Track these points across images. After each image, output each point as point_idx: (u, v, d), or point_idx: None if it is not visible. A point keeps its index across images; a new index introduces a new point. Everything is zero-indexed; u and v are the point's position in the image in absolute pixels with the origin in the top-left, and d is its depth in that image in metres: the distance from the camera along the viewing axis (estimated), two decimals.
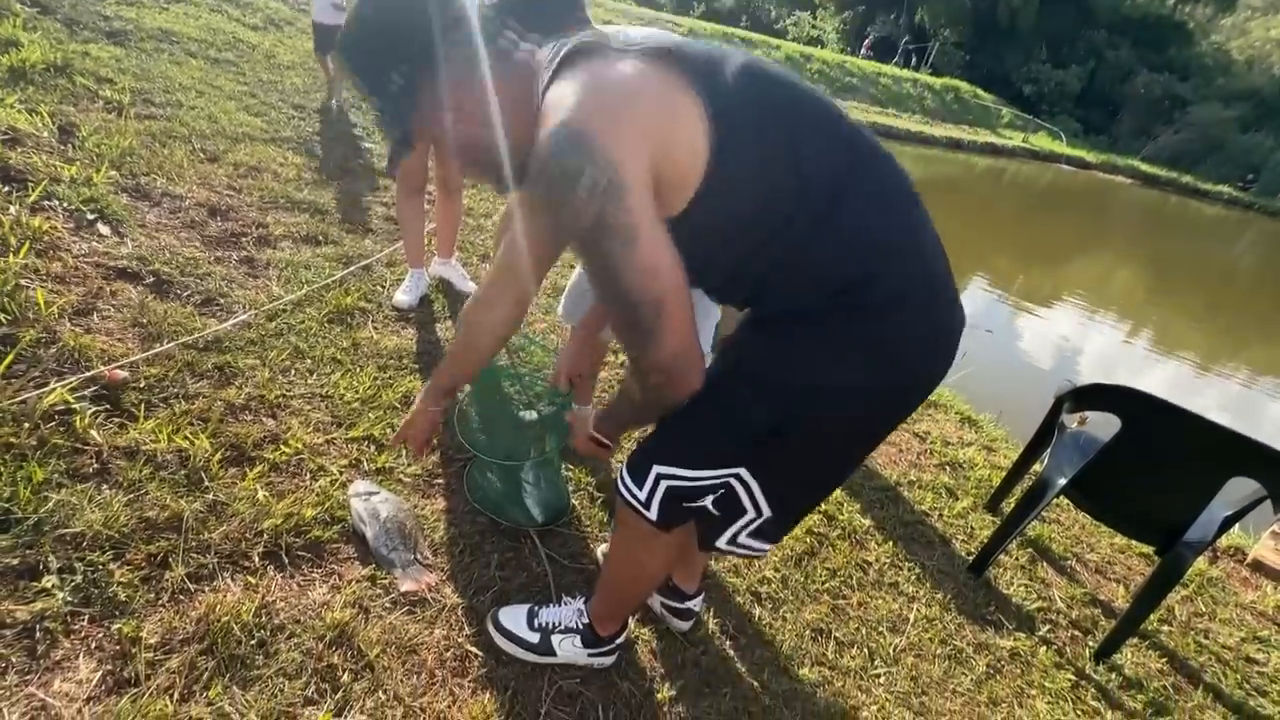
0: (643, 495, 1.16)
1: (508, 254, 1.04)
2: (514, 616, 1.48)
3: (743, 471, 1.11)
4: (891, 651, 1.74)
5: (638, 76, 0.90)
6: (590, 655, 1.47)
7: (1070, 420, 2.08)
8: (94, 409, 1.63)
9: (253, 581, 1.40)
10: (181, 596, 1.32)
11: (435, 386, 1.35)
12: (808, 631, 1.74)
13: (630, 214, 0.87)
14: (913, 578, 1.99)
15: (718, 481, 1.12)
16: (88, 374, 1.70)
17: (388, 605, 1.47)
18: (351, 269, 2.77)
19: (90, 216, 2.41)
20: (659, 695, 1.48)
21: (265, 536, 1.50)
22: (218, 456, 1.65)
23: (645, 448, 1.16)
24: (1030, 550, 2.23)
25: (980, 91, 26.23)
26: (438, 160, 2.69)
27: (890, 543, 2.10)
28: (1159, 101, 31.58)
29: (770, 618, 1.75)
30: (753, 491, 1.13)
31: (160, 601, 1.30)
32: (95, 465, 1.51)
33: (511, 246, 1.02)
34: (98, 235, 2.35)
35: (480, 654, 1.43)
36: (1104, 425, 1.95)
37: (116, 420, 1.64)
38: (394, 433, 1.58)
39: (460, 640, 1.45)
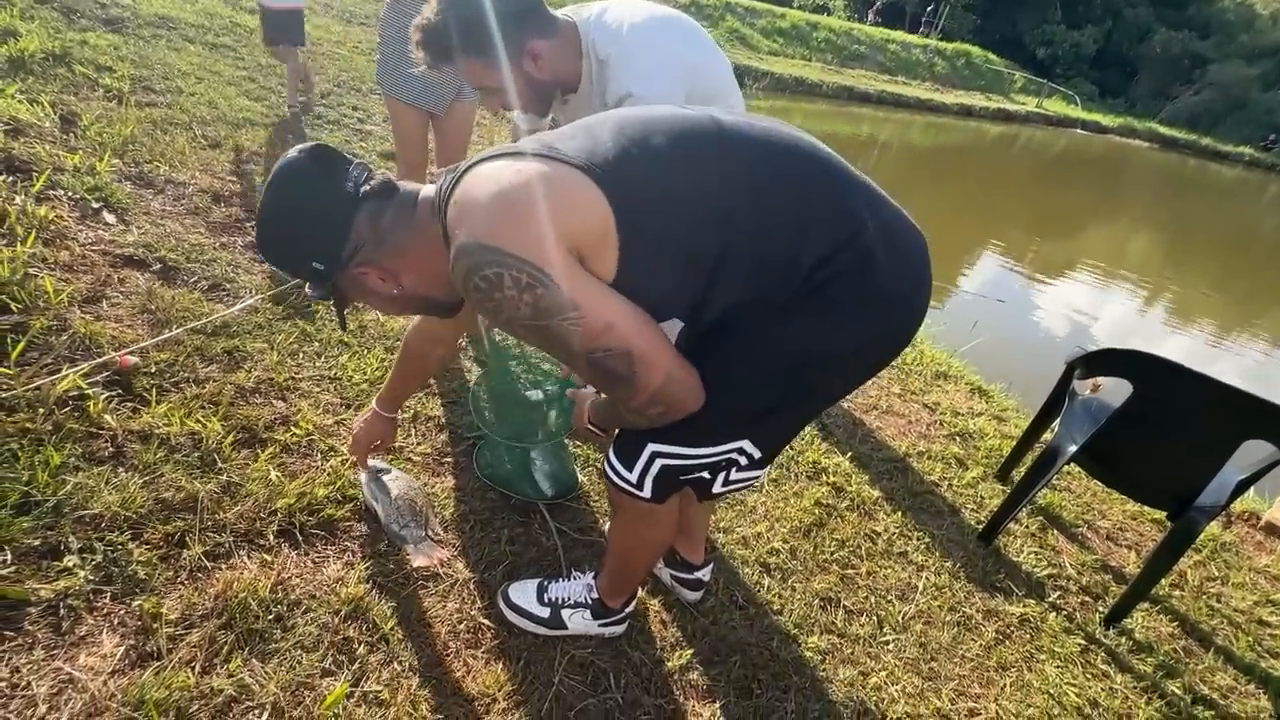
0: (633, 476, 1.17)
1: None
2: (524, 592, 1.50)
3: (746, 444, 1.12)
4: (900, 619, 1.76)
5: (517, 174, 0.91)
6: (601, 626, 1.50)
7: (1082, 387, 2.07)
8: (107, 394, 1.66)
9: (268, 559, 1.43)
10: (199, 574, 1.36)
11: (381, 398, 1.57)
12: (816, 601, 1.76)
13: (561, 291, 0.89)
14: (922, 547, 2.00)
15: (720, 457, 1.13)
16: (99, 360, 1.73)
17: (401, 580, 1.50)
18: None
19: (95, 205, 2.42)
20: (669, 664, 1.50)
21: (279, 515, 1.53)
22: (230, 439, 1.68)
23: (638, 430, 1.16)
24: (1041, 518, 2.23)
25: (992, 56, 25.68)
26: (437, 135, 2.68)
27: (899, 513, 2.11)
28: (1178, 60, 30.75)
29: (779, 588, 1.77)
30: (748, 451, 1.14)
31: (179, 579, 1.34)
32: (110, 449, 1.54)
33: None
34: (103, 223, 2.37)
35: (493, 626, 1.47)
36: (1116, 393, 1.94)
37: (129, 405, 1.67)
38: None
39: (473, 613, 1.48)
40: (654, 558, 1.42)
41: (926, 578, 1.90)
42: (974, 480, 2.34)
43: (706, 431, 1.10)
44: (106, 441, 1.55)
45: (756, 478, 1.25)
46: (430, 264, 1.02)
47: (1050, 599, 1.91)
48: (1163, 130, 25.18)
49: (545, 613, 1.48)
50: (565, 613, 1.48)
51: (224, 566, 1.39)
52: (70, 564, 1.27)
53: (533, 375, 2.03)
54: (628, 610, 1.51)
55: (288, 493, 1.58)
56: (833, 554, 1.91)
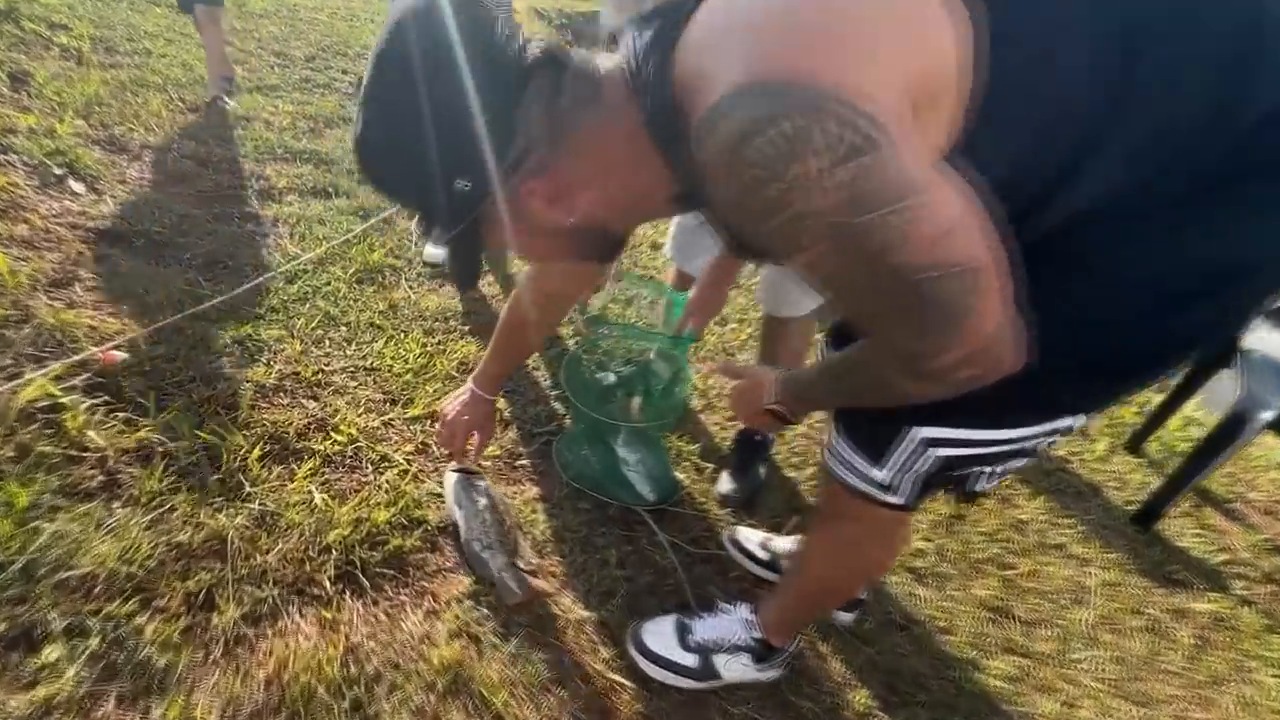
0: (884, 475, 0.80)
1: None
2: (661, 637, 1.13)
3: (1076, 419, 0.73)
4: (1084, 628, 1.42)
5: None
6: (760, 670, 1.13)
7: (1260, 343, 1.73)
8: (88, 402, 1.22)
9: (328, 616, 1.03)
10: (239, 649, 0.95)
11: (481, 374, 1.22)
12: (984, 612, 1.41)
13: (900, 162, 0.48)
14: (1077, 536, 1.66)
15: (1031, 441, 0.75)
16: (75, 358, 1.29)
17: (500, 631, 1.11)
18: (372, 222, 2.33)
19: (58, 171, 1.94)
20: (846, 712, 1.15)
21: (334, 553, 1.12)
22: (256, 453, 1.26)
23: (894, 411, 0.78)
24: (1190, 495, 1.91)
25: None
26: None
27: (1040, 497, 1.77)
28: None
29: (938, 599, 1.41)
30: (1070, 425, 0.75)
31: (212, 658, 0.93)
32: (99, 477, 1.12)
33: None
34: (70, 193, 1.89)
35: (628, 684, 1.09)
36: None
37: (120, 415, 1.24)
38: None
39: (598, 668, 1.10)
40: (858, 589, 1.05)
41: (1094, 574, 1.56)
42: (1104, 454, 2.00)
43: (1026, 405, 0.71)
44: (93, 467, 1.12)
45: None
46: (624, 170, 0.61)
47: (1236, 591, 1.59)
48: None
49: (693, 661, 1.11)
50: (719, 659, 1.11)
51: (271, 633, 0.99)
52: (53, 656, 0.85)
53: (594, 357, 1.64)
54: (790, 650, 1.15)
55: (339, 521, 1.18)
56: (984, 551, 1.56)
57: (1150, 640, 1.43)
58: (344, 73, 4.19)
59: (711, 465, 1.63)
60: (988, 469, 0.80)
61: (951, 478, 0.81)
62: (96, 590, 0.94)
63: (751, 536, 1.41)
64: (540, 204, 0.63)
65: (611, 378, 1.62)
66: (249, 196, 2.26)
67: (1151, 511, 1.70)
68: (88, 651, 0.87)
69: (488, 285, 2.17)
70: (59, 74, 2.61)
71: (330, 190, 2.50)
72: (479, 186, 0.61)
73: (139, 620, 0.92)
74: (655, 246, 2.62)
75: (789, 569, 1.04)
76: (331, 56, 4.49)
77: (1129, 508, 1.79)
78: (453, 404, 1.25)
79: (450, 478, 1.28)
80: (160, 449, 1.18)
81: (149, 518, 1.06)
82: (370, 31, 4.87)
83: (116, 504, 1.08)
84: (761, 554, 1.37)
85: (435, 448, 1.45)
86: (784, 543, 1.37)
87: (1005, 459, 0.77)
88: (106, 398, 1.25)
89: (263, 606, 1.01)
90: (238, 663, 0.93)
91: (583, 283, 1.17)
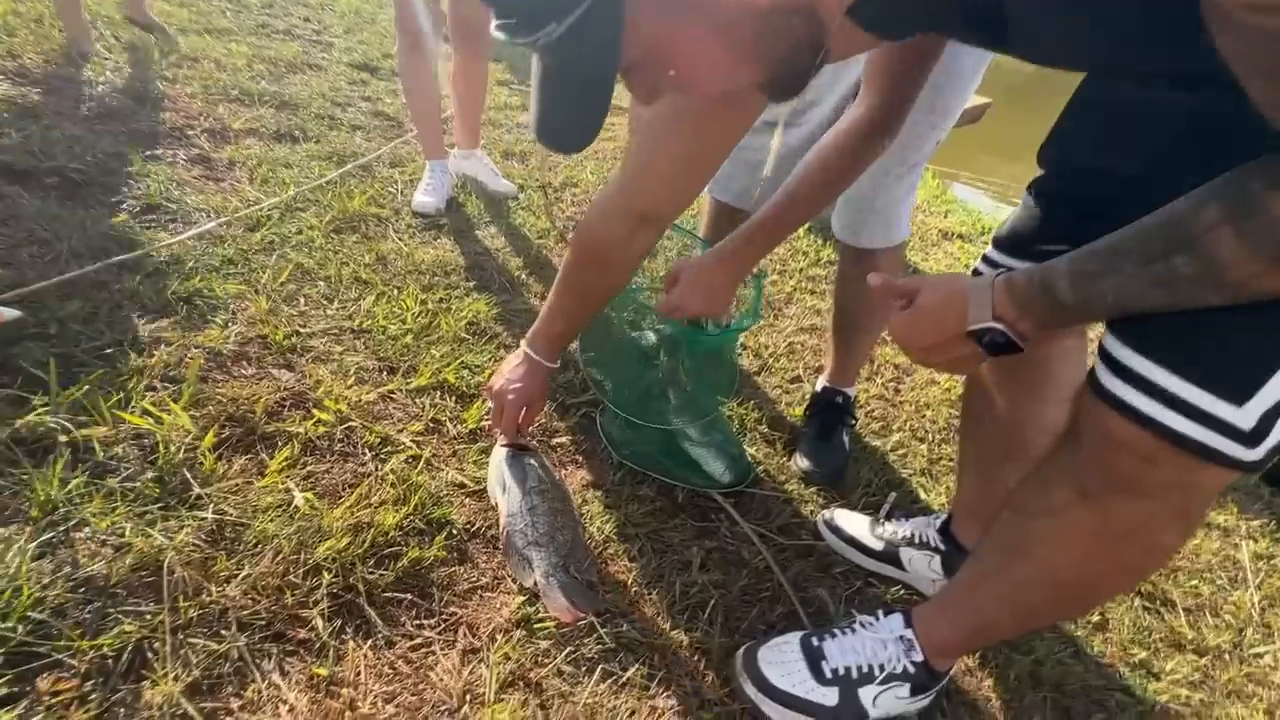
0: (1248, 418, 0.48)
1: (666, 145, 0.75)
2: (785, 667, 0.80)
3: None
4: (1253, 613, 1.15)
5: None
6: (913, 701, 0.82)
7: None
8: None
9: (322, 673, 0.68)
10: None
11: (538, 334, 0.95)
12: (1138, 602, 1.13)
13: None
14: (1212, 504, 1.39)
15: None
16: None
17: (568, 671, 0.78)
18: (349, 167, 1.93)
19: None
20: None
21: (326, 576, 0.77)
22: (209, 440, 0.89)
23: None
24: None
25: None
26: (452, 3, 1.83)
27: None
28: None
29: None
30: None
31: None
32: None
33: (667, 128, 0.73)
34: None
35: None
36: None
37: (6, 392, 0.86)
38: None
39: (699, 712, 0.78)
40: (1122, 593, 0.76)
41: (1243, 546, 1.29)
42: None
43: None
44: None
45: None
46: None
47: None
48: None
49: (832, 697, 0.79)
50: (867, 693, 0.79)
51: (237, 707, 0.63)
52: None
53: (627, 312, 1.30)
54: (950, 672, 0.85)
55: (331, 529, 0.82)
56: None
57: None
58: (305, 20, 3.70)
59: (784, 435, 1.31)
60: None
61: None
62: None
63: (854, 521, 1.09)
64: None
65: (651, 336, 1.29)
66: (197, 137, 1.83)
67: None
68: None
69: (491, 237, 1.80)
70: None
71: (298, 134, 2.08)
72: None
73: (15, 712, 0.56)
74: None
75: (984, 567, 0.72)
76: (291, 4, 3.98)
77: None
78: (507, 372, 0.95)
79: (496, 454, 0.94)
80: (64, 439, 0.81)
81: (39, 540, 0.69)
82: None
83: None
84: (873, 543, 1.06)
85: (447, 425, 1.10)
86: (901, 527, 1.06)
87: None
88: None
89: (223, 665, 0.66)
90: None
91: (694, 188, 0.83)
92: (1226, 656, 1.07)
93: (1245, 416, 0.48)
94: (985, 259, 0.78)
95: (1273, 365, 0.46)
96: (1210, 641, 1.08)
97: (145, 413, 0.88)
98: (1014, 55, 0.60)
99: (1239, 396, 0.47)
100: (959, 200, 3.03)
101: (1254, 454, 0.49)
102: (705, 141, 0.80)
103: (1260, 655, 1.08)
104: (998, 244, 0.76)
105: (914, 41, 0.77)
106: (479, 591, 0.85)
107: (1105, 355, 0.54)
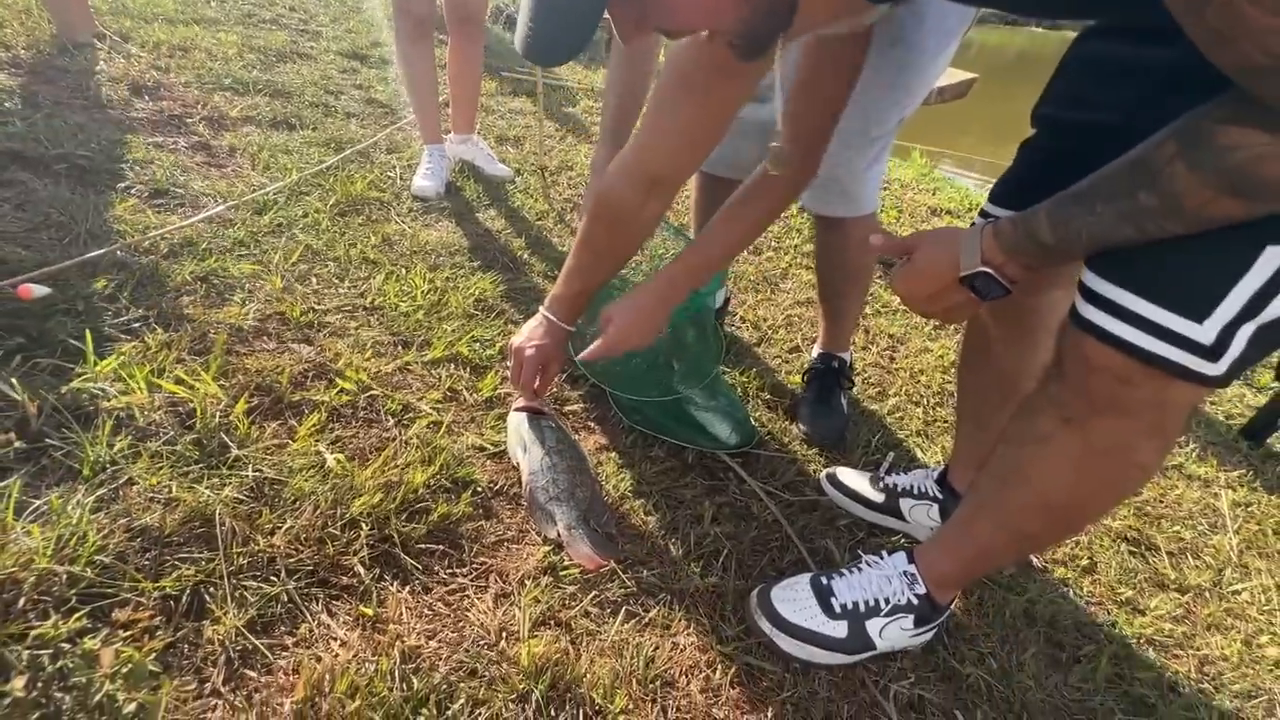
0: (1208, 333, 0.54)
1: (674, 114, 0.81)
2: (797, 604, 0.86)
3: None
4: (1231, 555, 1.22)
5: None
6: (916, 635, 0.88)
7: None
8: None
9: (368, 613, 0.73)
10: (250, 670, 0.65)
11: (557, 296, 1.00)
12: (1124, 545, 1.20)
13: None
14: (1192, 455, 1.46)
15: None
16: None
17: (594, 612, 0.83)
18: (348, 152, 1.95)
19: None
20: (1021, 675, 0.91)
21: (364, 529, 0.82)
22: (240, 407, 0.93)
23: (1239, 227, 0.51)
24: None
25: None
26: None
27: None
28: None
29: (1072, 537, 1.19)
30: None
31: (211, 688, 0.62)
32: (16, 444, 0.78)
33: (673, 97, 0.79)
34: None
35: (767, 667, 0.83)
36: None
37: (43, 363, 0.90)
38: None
39: (725, 650, 0.84)
40: (1108, 512, 0.83)
41: (1222, 494, 1.37)
42: None
43: None
44: (3, 431, 0.79)
45: None
46: None
47: None
48: None
49: (841, 630, 0.85)
50: (874, 625, 0.85)
51: (292, 643, 0.68)
52: None
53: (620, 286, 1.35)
54: (952, 606, 0.91)
55: (364, 487, 0.87)
56: None
57: None
58: (291, 10, 3.69)
59: (785, 401, 1.37)
60: None
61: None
62: (21, 605, 0.62)
63: (855, 477, 1.15)
64: None
65: None
66: (195, 125, 1.85)
67: (1263, 427, 1.51)
68: (9, 701, 0.55)
69: (491, 219, 1.84)
70: None
71: (294, 121, 2.10)
72: None
73: (91, 643, 0.60)
74: None
75: (980, 498, 0.78)
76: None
77: (1230, 421, 1.60)
78: (525, 336, 0.99)
79: (514, 418, 0.99)
80: (105, 404, 0.84)
81: (95, 496, 0.73)
82: None
83: (44, 481, 0.75)
84: (874, 495, 1.12)
85: (464, 393, 1.14)
86: (901, 479, 1.12)
87: None
88: (22, 341, 0.90)
89: (275, 607, 0.71)
90: (250, 691, 0.63)
91: (700, 153, 0.89)
92: (1207, 594, 1.14)
93: (1205, 332, 0.53)
94: (982, 213, 0.83)
95: (1228, 284, 0.52)
96: (1191, 581, 1.15)
97: (179, 381, 0.92)
98: (989, 5, 0.65)
99: (1198, 314, 0.53)
100: (946, 178, 3.10)
101: (1217, 368, 0.55)
102: (709, 111, 0.85)
103: (1238, 592, 1.16)
104: (993, 198, 0.82)
105: (825, 93, 0.84)
106: (506, 544, 0.90)
107: (1082, 288, 0.60)
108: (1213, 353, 0.54)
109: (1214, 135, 0.47)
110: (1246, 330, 0.53)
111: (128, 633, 0.62)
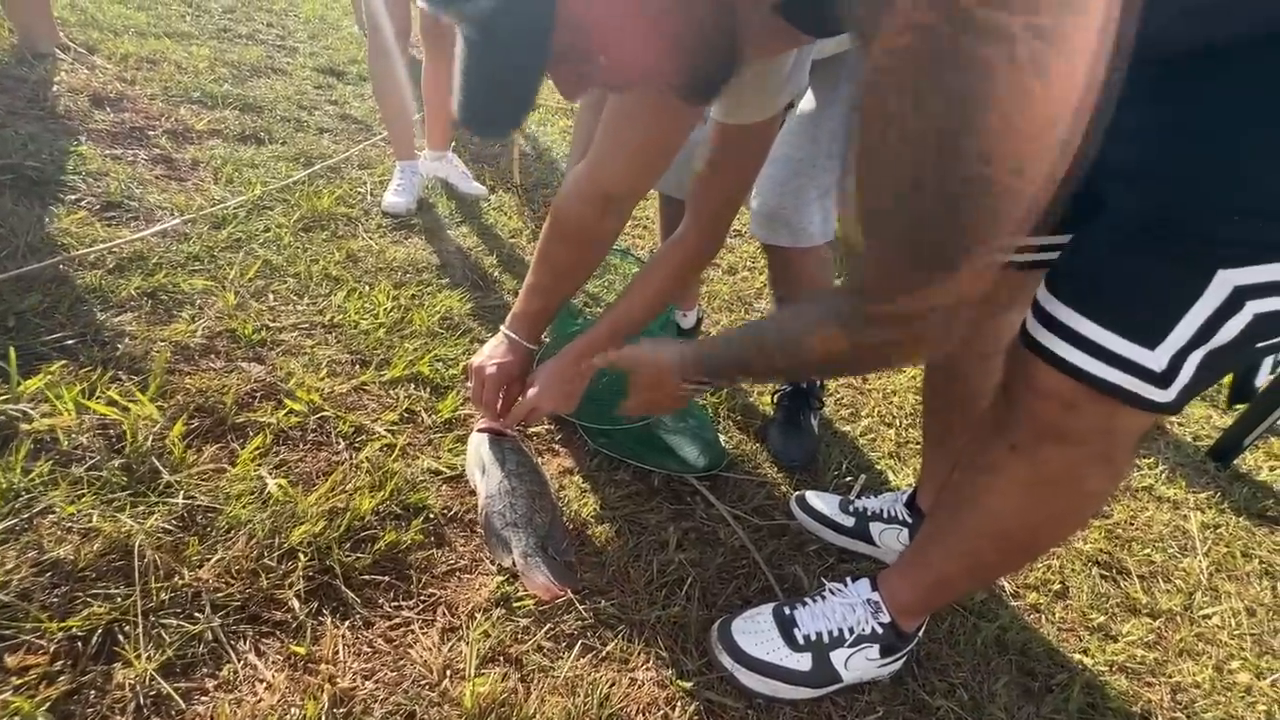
0: (1159, 360, 0.52)
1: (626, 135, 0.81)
2: (758, 635, 0.83)
3: None
4: (1202, 578, 1.21)
5: None
6: (884, 665, 0.85)
7: None
8: None
9: (300, 651, 0.68)
10: (160, 719, 0.60)
11: (517, 315, 0.98)
12: (1095, 569, 1.18)
13: None
14: (1162, 477, 1.46)
15: None
16: None
17: (547, 647, 0.79)
18: (317, 167, 1.92)
19: None
20: (992, 708, 0.88)
21: (301, 559, 0.77)
22: (178, 429, 0.88)
23: (1195, 249, 0.50)
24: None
25: None
26: None
27: None
28: None
29: (1042, 558, 1.17)
30: None
31: None
32: None
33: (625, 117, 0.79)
34: None
35: (728, 703, 0.79)
36: None
37: None
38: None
39: (685, 686, 0.80)
40: (1063, 540, 0.82)
41: (1191, 516, 1.36)
42: None
43: None
44: None
45: None
46: None
47: None
48: None
49: (805, 662, 0.81)
50: (839, 656, 0.82)
51: (212, 686, 0.63)
52: None
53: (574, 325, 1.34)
54: (919, 634, 0.88)
55: (306, 514, 0.82)
56: None
57: (1271, 585, 1.23)
58: (268, 26, 3.67)
59: (755, 423, 1.34)
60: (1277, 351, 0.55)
61: (1248, 357, 0.54)
62: None
63: (826, 500, 1.13)
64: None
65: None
66: (158, 137, 1.81)
67: (1230, 448, 1.52)
68: None
69: (463, 237, 1.81)
70: None
71: (263, 136, 2.06)
72: None
73: None
74: None
75: (936, 525, 0.76)
76: (253, 10, 3.95)
77: (1198, 443, 1.61)
78: (486, 355, 0.97)
79: (475, 439, 0.95)
80: (25, 426, 0.79)
81: (4, 526, 0.68)
82: None
83: None
84: (844, 519, 1.09)
85: (423, 415, 1.10)
86: (871, 502, 1.09)
87: None
88: None
89: (197, 646, 0.65)
90: None
91: (652, 172, 0.87)
92: (1178, 619, 1.12)
93: (1157, 359, 0.52)
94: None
95: (1181, 310, 0.50)
96: (1163, 605, 1.14)
97: (111, 403, 0.87)
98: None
99: (1150, 341, 0.52)
100: None
101: (1166, 395, 0.53)
102: (661, 130, 0.85)
103: (1209, 616, 1.14)
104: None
105: (727, 182, 0.87)
106: (457, 573, 0.85)
107: (1035, 306, 0.58)
108: (1164, 379, 0.52)
109: (809, 340, 0.56)
110: (1196, 356, 0.52)
111: (20, 680, 0.56)
